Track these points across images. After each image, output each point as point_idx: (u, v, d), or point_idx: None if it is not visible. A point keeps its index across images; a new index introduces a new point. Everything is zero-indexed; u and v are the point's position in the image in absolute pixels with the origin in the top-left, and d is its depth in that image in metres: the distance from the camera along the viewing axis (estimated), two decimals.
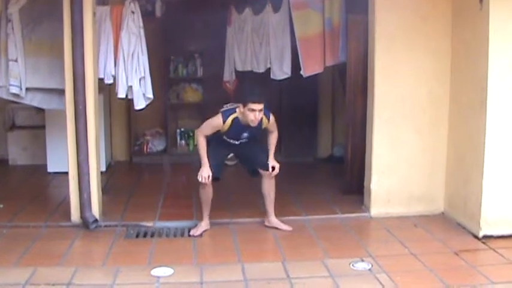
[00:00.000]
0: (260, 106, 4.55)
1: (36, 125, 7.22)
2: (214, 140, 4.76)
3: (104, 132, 6.74)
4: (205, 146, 4.69)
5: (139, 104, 5.71)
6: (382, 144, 5.27)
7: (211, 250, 4.62)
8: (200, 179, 4.66)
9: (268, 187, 4.94)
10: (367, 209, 5.38)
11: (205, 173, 4.66)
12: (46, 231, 4.91)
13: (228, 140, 4.78)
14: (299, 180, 6.59)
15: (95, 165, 5.03)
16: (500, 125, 4.61)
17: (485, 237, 4.65)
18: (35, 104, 5.73)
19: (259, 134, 4.85)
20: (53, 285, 3.83)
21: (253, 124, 4.61)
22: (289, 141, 7.52)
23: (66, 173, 5.06)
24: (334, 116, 7.85)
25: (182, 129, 7.91)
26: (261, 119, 4.63)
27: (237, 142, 4.81)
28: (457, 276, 4.03)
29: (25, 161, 7.34)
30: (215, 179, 4.78)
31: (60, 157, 5.96)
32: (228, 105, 4.79)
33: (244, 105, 4.56)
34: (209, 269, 4.12)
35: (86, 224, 4.95)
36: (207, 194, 4.83)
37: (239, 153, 5.00)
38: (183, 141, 7.90)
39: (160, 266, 4.13)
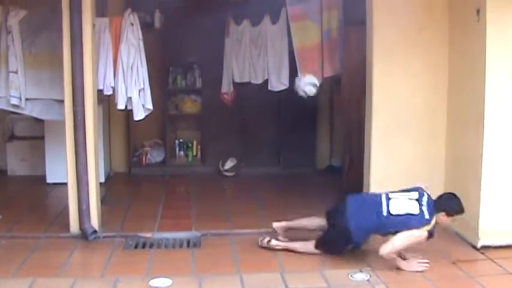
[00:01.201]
0: None
1: (35, 135, 7.20)
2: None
3: (103, 143, 6.74)
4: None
5: (139, 115, 5.72)
6: (379, 154, 5.28)
7: (210, 261, 4.61)
8: (421, 268, 4.28)
9: None
10: None
11: (415, 265, 4.31)
12: (45, 242, 4.90)
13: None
14: (297, 190, 6.60)
15: (94, 176, 5.03)
16: (498, 136, 4.62)
17: (484, 247, 4.66)
18: (35, 114, 5.74)
19: None
20: None
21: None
22: (288, 151, 7.55)
23: (65, 184, 5.07)
24: (332, 127, 7.86)
25: (181, 140, 7.91)
26: None
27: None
28: (455, 286, 4.05)
29: (24, 171, 7.31)
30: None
31: (59, 168, 5.97)
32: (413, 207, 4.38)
33: (449, 215, 4.33)
34: (208, 280, 4.12)
35: (85, 234, 4.95)
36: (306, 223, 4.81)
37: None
38: (181, 152, 7.89)
39: (159, 277, 4.12)
